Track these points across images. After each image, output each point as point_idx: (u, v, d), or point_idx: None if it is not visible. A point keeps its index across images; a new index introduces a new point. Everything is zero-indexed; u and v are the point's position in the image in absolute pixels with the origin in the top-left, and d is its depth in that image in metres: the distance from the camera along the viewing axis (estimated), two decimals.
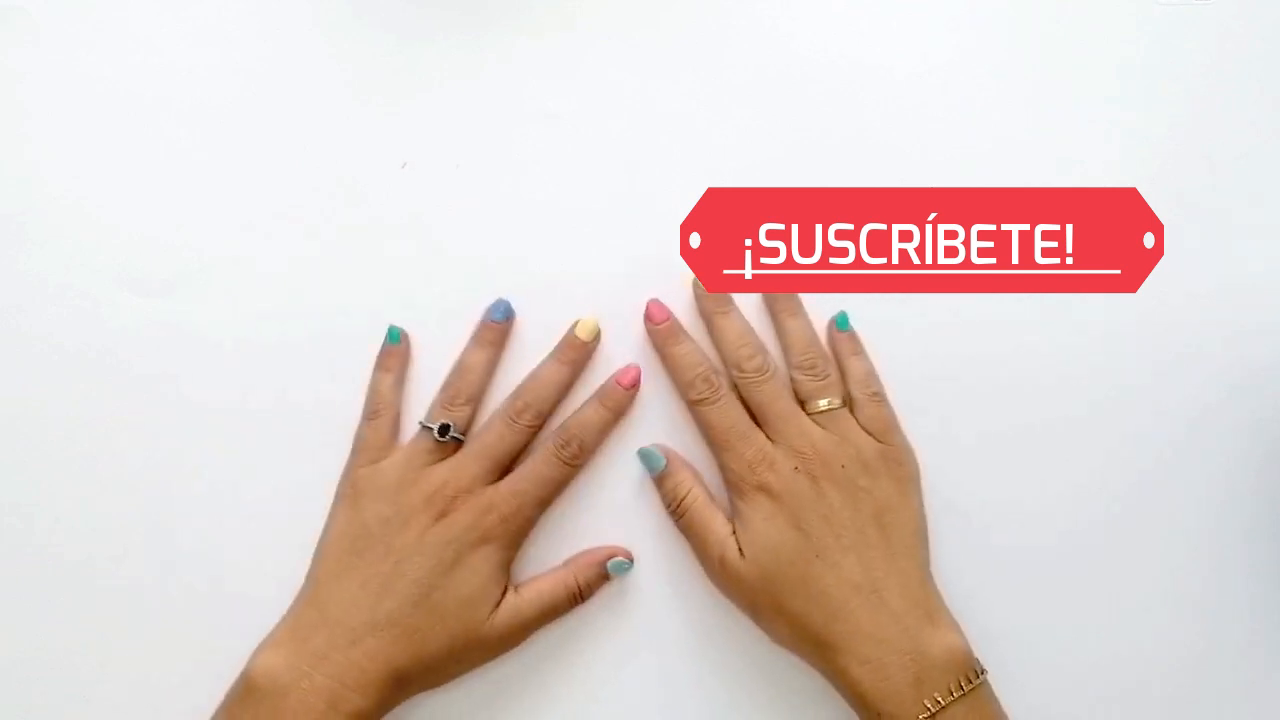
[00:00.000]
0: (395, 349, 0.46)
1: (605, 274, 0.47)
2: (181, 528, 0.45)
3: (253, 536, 0.46)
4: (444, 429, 0.44)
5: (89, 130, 0.48)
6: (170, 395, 0.47)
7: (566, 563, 0.45)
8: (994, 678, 0.41)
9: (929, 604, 0.41)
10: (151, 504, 0.46)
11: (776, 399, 0.44)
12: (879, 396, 0.45)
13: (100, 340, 0.47)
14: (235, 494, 0.46)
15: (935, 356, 0.47)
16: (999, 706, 0.41)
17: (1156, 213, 0.47)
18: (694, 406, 0.44)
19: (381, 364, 0.46)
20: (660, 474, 0.45)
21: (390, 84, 0.49)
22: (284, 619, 0.42)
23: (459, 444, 0.44)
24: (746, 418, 0.44)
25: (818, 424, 0.44)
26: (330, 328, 0.47)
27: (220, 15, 0.49)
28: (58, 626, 0.46)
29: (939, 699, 0.39)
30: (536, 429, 0.45)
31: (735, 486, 0.43)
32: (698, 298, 0.46)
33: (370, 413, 0.45)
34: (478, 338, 0.46)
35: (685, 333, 0.46)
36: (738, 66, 0.49)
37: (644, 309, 0.46)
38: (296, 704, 0.39)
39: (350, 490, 0.44)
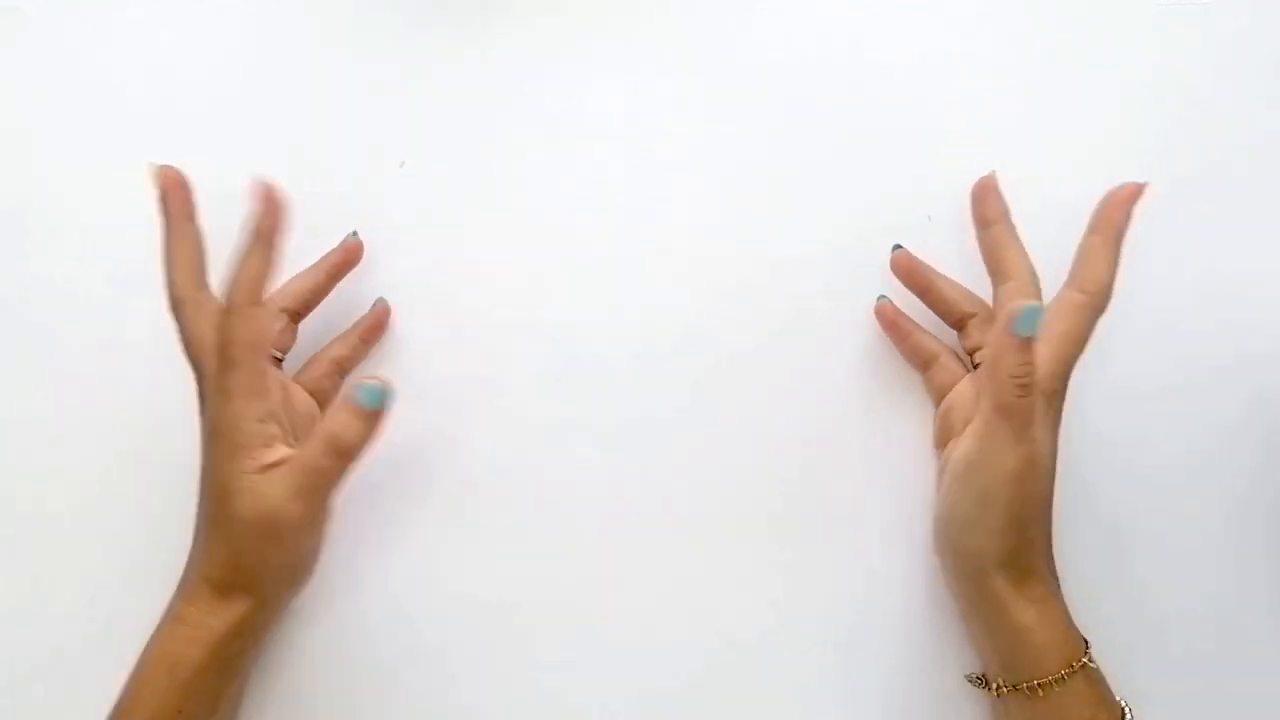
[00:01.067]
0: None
1: (606, 274, 0.47)
2: (180, 526, 0.45)
3: None
4: None
5: (88, 129, 0.49)
6: (171, 394, 0.47)
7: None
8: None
9: None
10: (151, 502, 0.46)
11: None
12: None
13: (99, 339, 0.47)
14: None
15: None
16: None
17: (1156, 213, 0.47)
18: (1093, 313, 0.40)
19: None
20: (1030, 340, 0.37)
21: (389, 84, 0.49)
22: None
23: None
24: None
25: None
26: (329, 327, 0.47)
27: (218, 16, 0.49)
28: (60, 626, 0.46)
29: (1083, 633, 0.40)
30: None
31: (1049, 400, 0.40)
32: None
33: None
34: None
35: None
36: (740, 65, 0.49)
37: (1121, 188, 0.41)
38: (159, 627, 0.40)
39: None
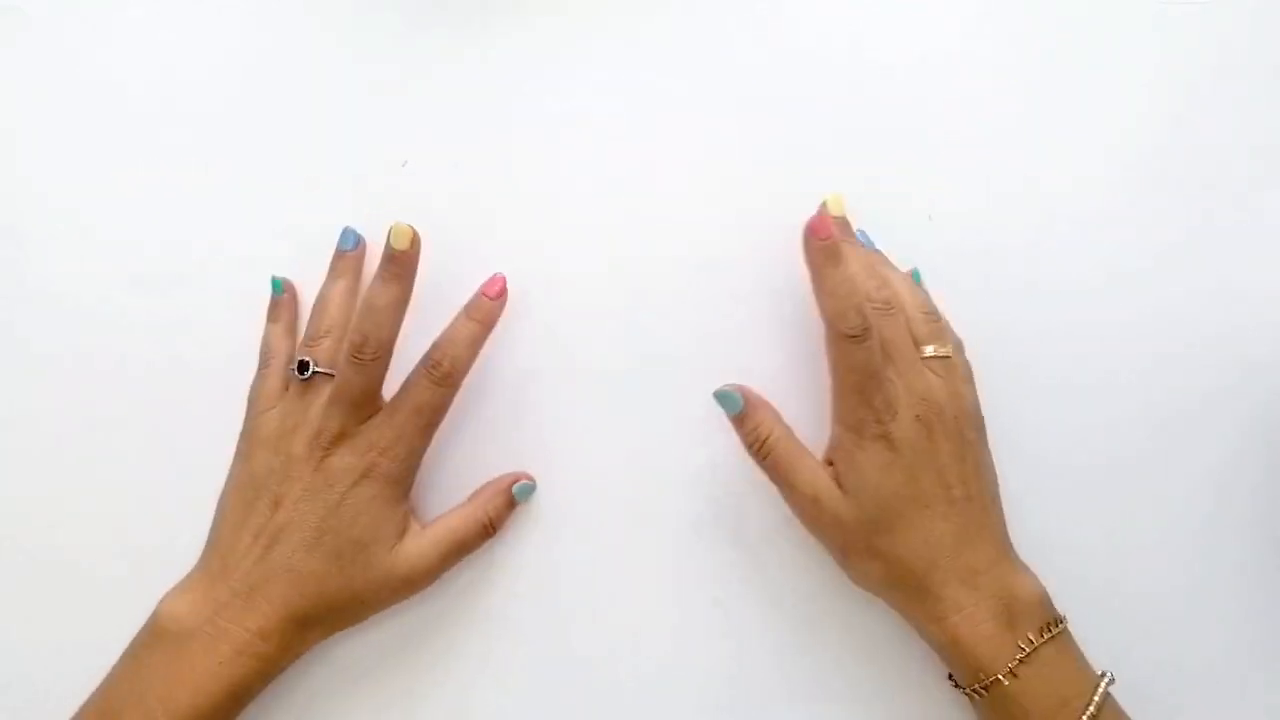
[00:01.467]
0: (280, 300, 0.47)
1: (606, 273, 0.47)
2: (179, 525, 0.45)
3: None
4: (302, 366, 0.43)
5: (88, 129, 0.49)
6: (171, 395, 0.47)
7: (472, 496, 0.45)
8: None
9: (1011, 552, 0.42)
10: (150, 501, 0.46)
11: (903, 337, 0.43)
12: (960, 348, 0.45)
13: (99, 340, 0.47)
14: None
15: None
16: (1081, 652, 0.41)
17: (1156, 212, 0.47)
18: (840, 341, 0.42)
19: (270, 315, 0.47)
20: (739, 415, 0.44)
21: (390, 83, 0.49)
22: (195, 566, 0.43)
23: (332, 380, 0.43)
24: (881, 361, 0.42)
25: (931, 370, 0.43)
26: None
27: (219, 15, 0.49)
28: (61, 630, 0.46)
29: (1031, 639, 0.39)
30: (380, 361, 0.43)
31: (854, 430, 0.42)
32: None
33: (261, 363, 0.46)
34: (331, 269, 0.46)
35: (850, 256, 0.43)
36: (740, 64, 0.49)
37: (807, 223, 0.42)
38: (200, 647, 0.39)
39: (243, 442, 0.44)
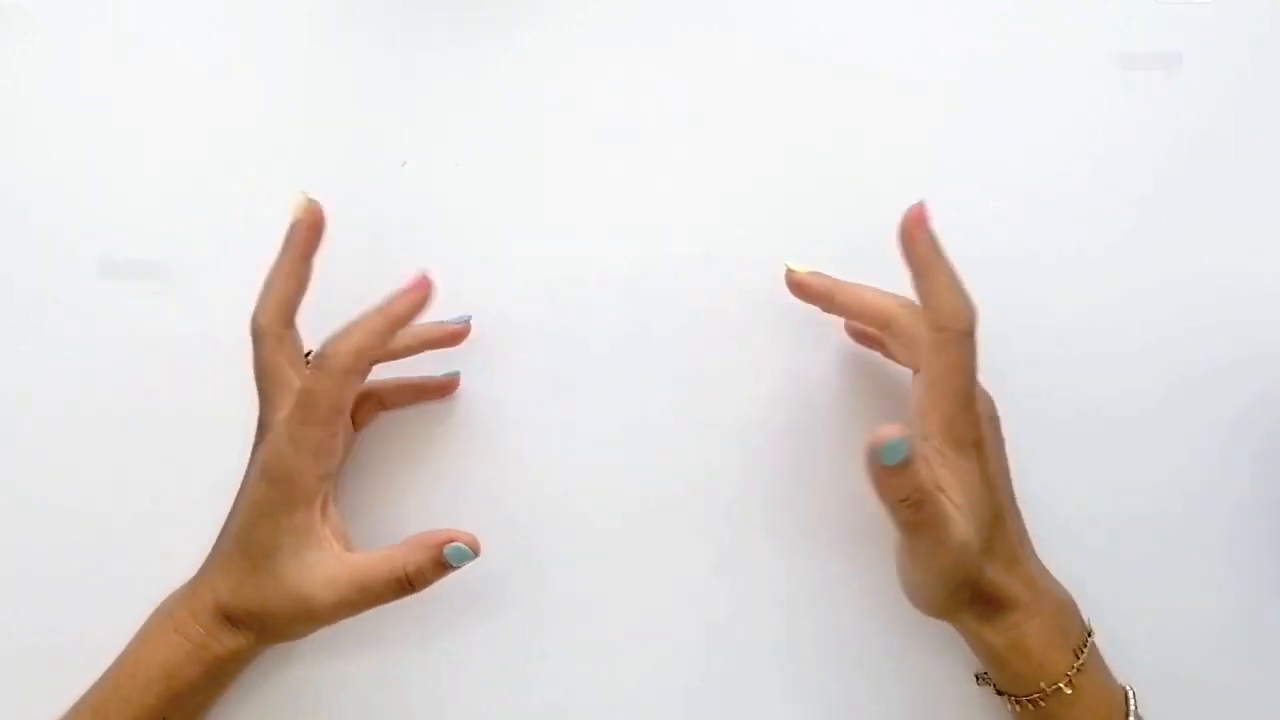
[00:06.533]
0: None
1: (605, 274, 0.48)
2: (175, 522, 0.45)
3: None
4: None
5: (88, 128, 0.49)
6: (173, 394, 0.47)
7: (402, 543, 0.40)
8: None
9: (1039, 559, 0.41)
10: (145, 497, 0.46)
11: None
12: None
13: (102, 337, 0.47)
14: (231, 490, 0.46)
15: None
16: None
17: (1159, 212, 0.47)
18: (955, 339, 0.37)
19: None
20: (901, 463, 0.34)
21: (390, 82, 0.49)
22: None
23: None
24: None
25: None
26: (328, 325, 0.47)
27: (219, 14, 0.49)
28: (58, 626, 0.46)
29: (1083, 645, 0.39)
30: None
31: (956, 440, 0.38)
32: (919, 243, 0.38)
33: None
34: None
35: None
36: (739, 64, 0.49)
37: (907, 215, 0.38)
38: (155, 625, 0.41)
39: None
